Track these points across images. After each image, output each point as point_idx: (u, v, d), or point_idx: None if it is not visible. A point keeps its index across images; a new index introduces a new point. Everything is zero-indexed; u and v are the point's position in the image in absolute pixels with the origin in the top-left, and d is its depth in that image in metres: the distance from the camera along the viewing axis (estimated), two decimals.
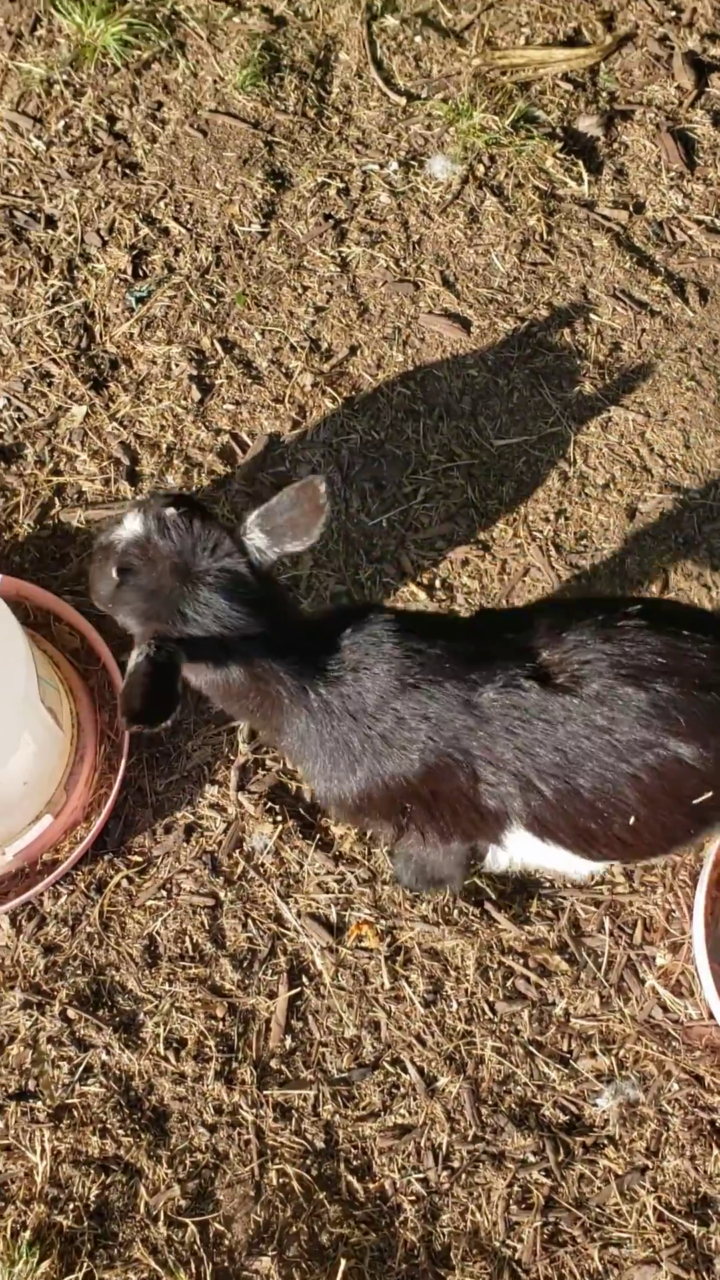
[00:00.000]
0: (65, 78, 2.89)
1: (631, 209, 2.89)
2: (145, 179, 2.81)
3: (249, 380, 2.63)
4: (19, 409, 2.56)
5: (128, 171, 2.81)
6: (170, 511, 1.72)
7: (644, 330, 2.75)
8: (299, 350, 2.67)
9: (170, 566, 1.71)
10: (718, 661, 1.75)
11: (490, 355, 2.69)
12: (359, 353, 2.68)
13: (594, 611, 1.81)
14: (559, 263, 2.80)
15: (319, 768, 1.85)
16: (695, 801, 1.77)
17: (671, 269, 2.83)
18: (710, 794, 1.77)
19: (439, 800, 1.84)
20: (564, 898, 2.25)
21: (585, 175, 2.90)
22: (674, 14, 3.18)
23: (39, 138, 2.82)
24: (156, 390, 2.61)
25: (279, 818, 2.26)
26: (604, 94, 3.04)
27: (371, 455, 2.58)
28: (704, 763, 1.74)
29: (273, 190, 2.82)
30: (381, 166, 2.85)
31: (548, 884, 2.26)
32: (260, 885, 2.23)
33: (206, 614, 1.70)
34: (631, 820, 1.78)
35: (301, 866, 2.24)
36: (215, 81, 2.93)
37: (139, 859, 2.24)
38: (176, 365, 2.63)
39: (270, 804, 2.27)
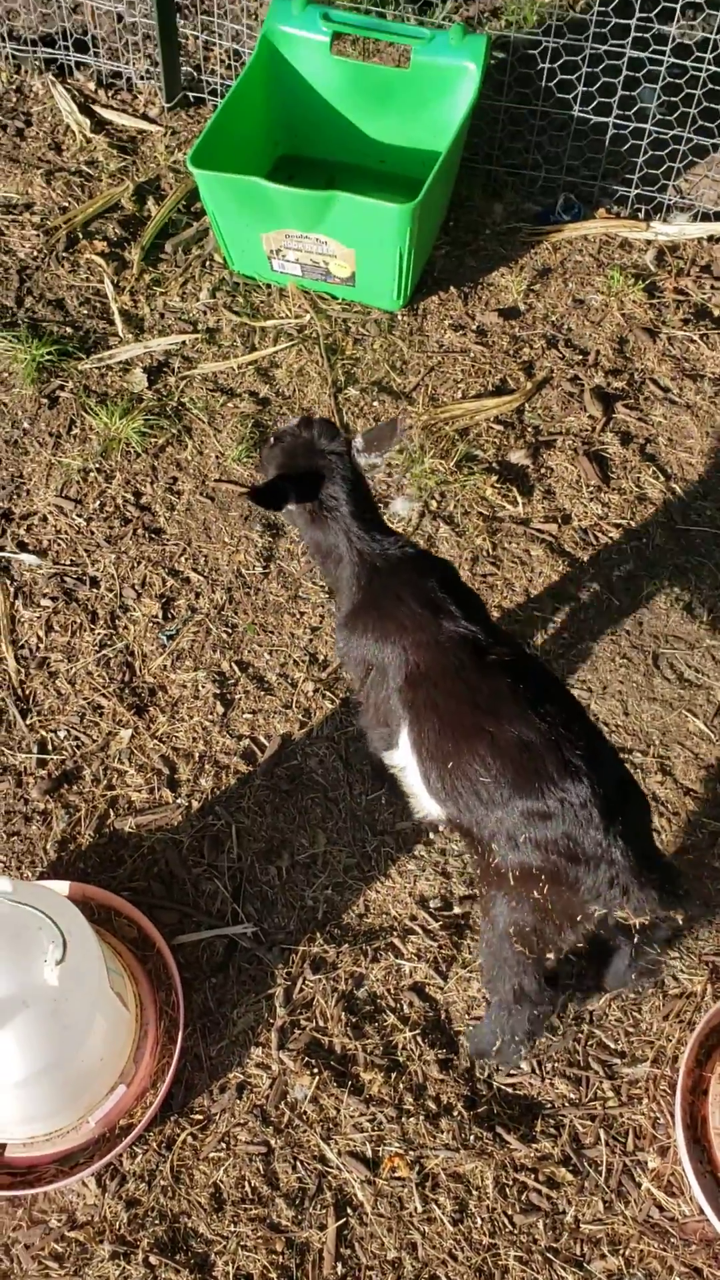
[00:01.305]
0: (97, 466, 3.62)
1: (560, 521, 3.54)
2: (168, 540, 3.48)
3: (262, 692, 3.21)
4: (77, 737, 3.13)
5: (153, 535, 3.49)
6: (314, 419, 2.65)
7: (581, 620, 3.34)
8: (301, 664, 3.26)
9: (304, 443, 2.59)
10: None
11: None
12: None
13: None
14: (504, 571, 3.43)
15: (342, 606, 2.64)
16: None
17: (598, 566, 3.45)
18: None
19: (374, 681, 2.55)
20: (564, 1115, 2.62)
21: (519, 498, 3.57)
22: (580, 358, 3.94)
23: (80, 515, 3.52)
24: (188, 709, 3.18)
25: (315, 1070, 2.67)
26: (530, 429, 3.75)
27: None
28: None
29: (270, 538, 3.48)
30: None
31: (549, 1104, 2.64)
32: (305, 1131, 2.62)
33: (316, 475, 2.58)
34: (484, 779, 2.29)
35: (338, 1111, 2.64)
36: (217, 456, 3.66)
37: (200, 1117, 2.64)
38: (203, 687, 3.21)
39: (308, 1058, 2.69)
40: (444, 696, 2.38)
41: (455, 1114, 2.62)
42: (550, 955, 2.40)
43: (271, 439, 2.70)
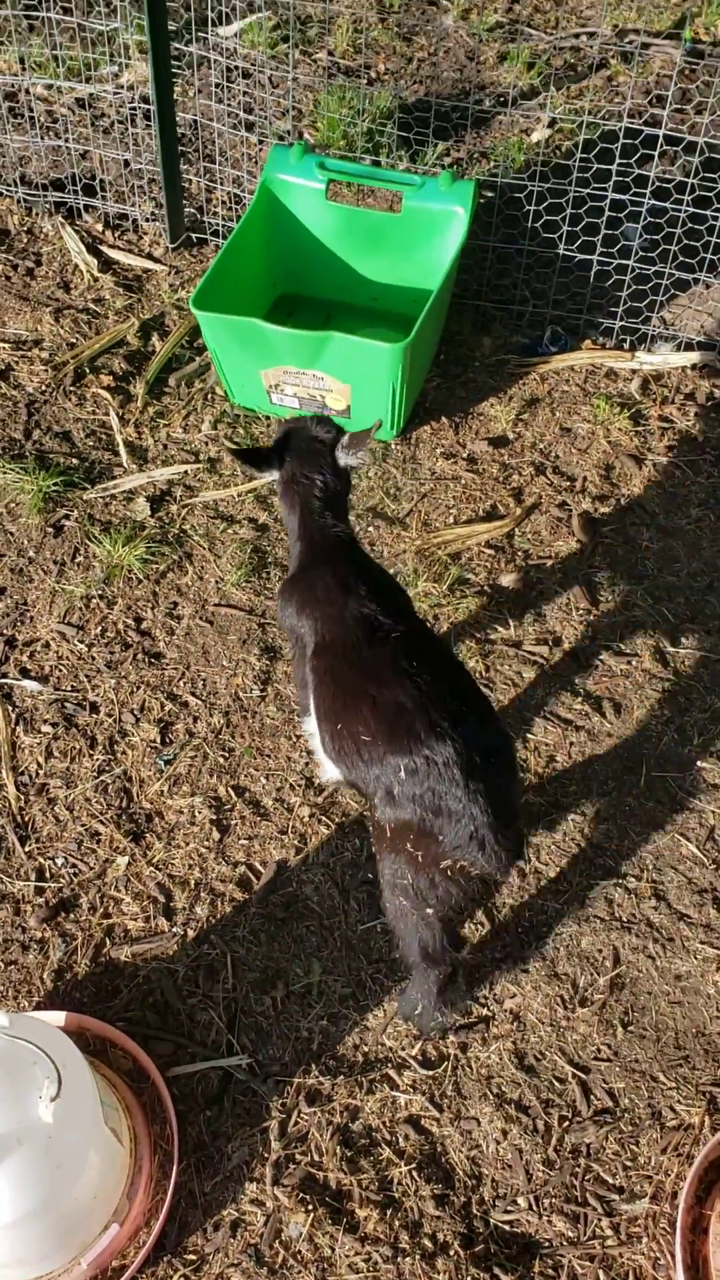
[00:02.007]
0: (100, 592, 3.72)
1: (551, 644, 3.61)
2: (167, 665, 3.55)
3: (258, 817, 3.25)
4: (74, 865, 3.16)
5: (153, 660, 3.56)
6: (324, 417, 3.13)
7: (572, 743, 3.39)
8: (297, 788, 3.30)
9: (301, 429, 3.06)
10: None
11: None
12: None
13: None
14: (497, 693, 3.49)
15: (290, 566, 3.01)
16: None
17: (589, 689, 3.51)
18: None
19: (297, 651, 2.87)
20: (562, 1255, 2.58)
21: (511, 621, 3.65)
22: (569, 484, 4.06)
23: (82, 641, 3.60)
24: (184, 835, 3.22)
25: (310, 1206, 2.64)
26: (520, 553, 3.85)
27: (362, 869, 3.15)
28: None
29: (267, 661, 3.56)
30: None
31: (547, 1243, 2.60)
32: (299, 1271, 2.58)
33: (299, 454, 3.02)
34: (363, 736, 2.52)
35: (333, 1250, 2.60)
36: (217, 581, 3.75)
37: (194, 1257, 2.61)
38: (199, 812, 3.25)
39: (302, 1194, 2.66)
40: (340, 665, 2.67)
41: (451, 1253, 2.58)
42: (433, 910, 2.58)
43: (283, 423, 3.17)
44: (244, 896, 3.11)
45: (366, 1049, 2.88)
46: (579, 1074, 2.85)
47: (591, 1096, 2.82)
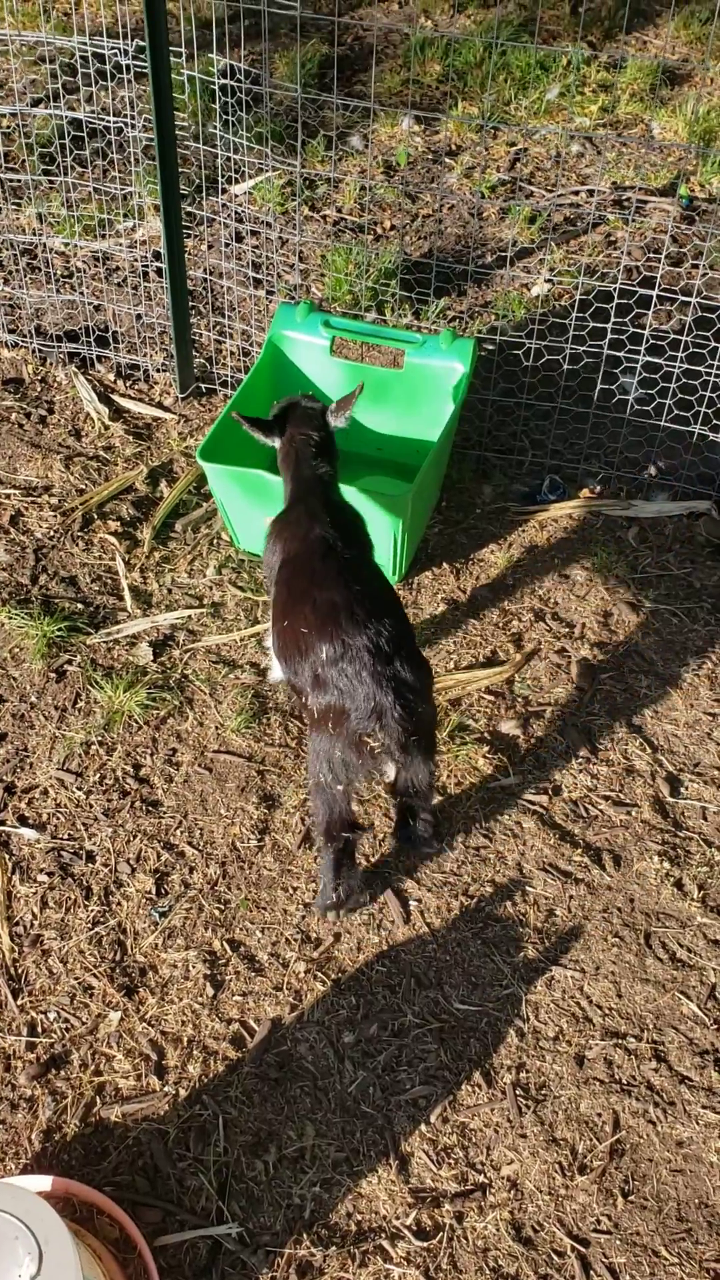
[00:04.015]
0: (99, 738, 3.75)
1: (551, 793, 3.62)
2: (165, 813, 3.56)
3: (253, 973, 3.21)
4: (66, 1020, 3.12)
5: (150, 808, 3.57)
6: (311, 396, 3.86)
7: (571, 896, 3.37)
8: (293, 942, 3.28)
9: (296, 403, 3.76)
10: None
11: (446, 930, 3.29)
12: (341, 939, 3.28)
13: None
14: (496, 844, 3.48)
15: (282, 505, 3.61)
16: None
17: (589, 840, 3.50)
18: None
19: (269, 573, 3.50)
20: None
21: (511, 769, 3.66)
22: (568, 630, 4.11)
23: (80, 789, 3.62)
24: (177, 990, 3.18)
25: None
26: (520, 699, 3.88)
27: (357, 1027, 3.10)
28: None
29: (265, 810, 3.56)
30: None
31: None
32: None
33: (296, 420, 3.70)
34: (302, 629, 3.05)
35: None
36: (217, 727, 3.78)
37: None
38: (193, 967, 3.22)
39: None
40: (295, 575, 3.21)
41: None
42: (341, 786, 3.07)
43: (280, 399, 3.84)
44: (237, 1055, 3.06)
45: (360, 1217, 2.80)
46: (578, 1247, 2.76)
47: (592, 1272, 2.72)
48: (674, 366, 4.39)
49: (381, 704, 2.91)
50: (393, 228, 5.90)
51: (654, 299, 4.29)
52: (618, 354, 4.44)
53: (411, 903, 3.36)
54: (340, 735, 2.98)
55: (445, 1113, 2.96)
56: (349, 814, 3.17)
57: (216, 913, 3.34)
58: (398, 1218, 2.80)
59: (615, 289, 4.63)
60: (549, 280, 5.44)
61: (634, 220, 5.76)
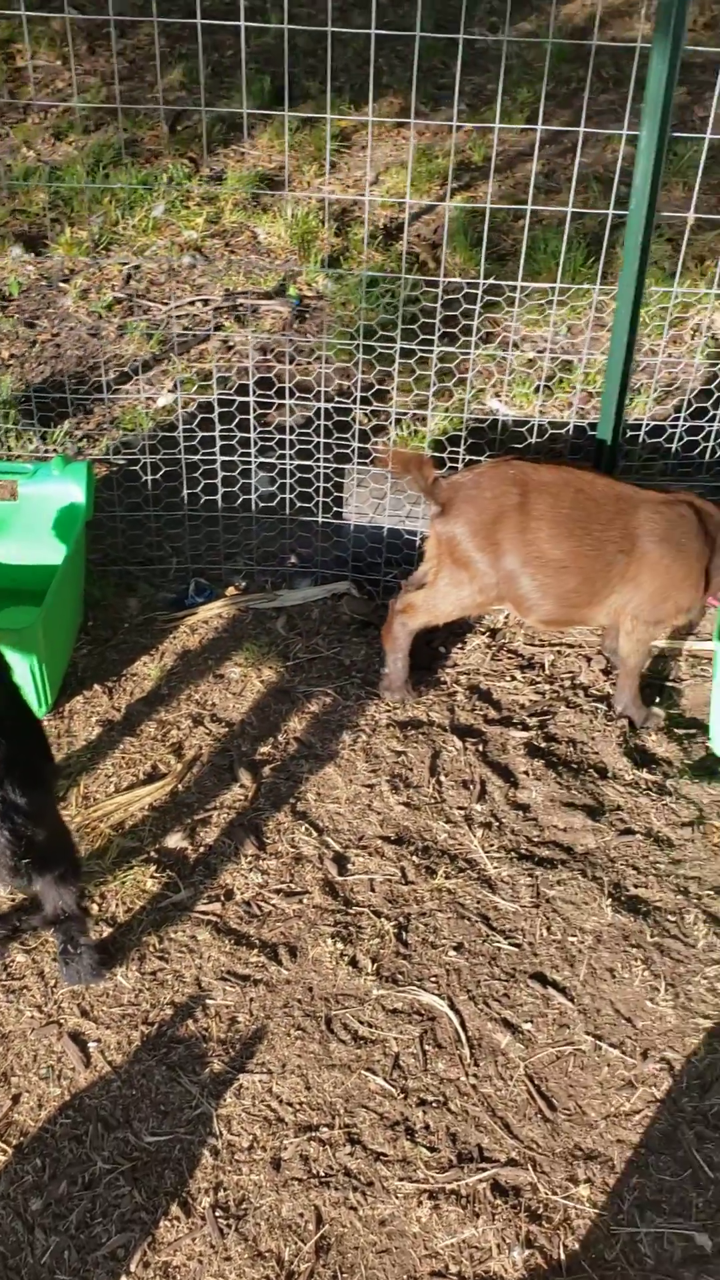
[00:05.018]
0: None
1: (223, 898, 3.63)
2: None
3: None
4: None
5: None
6: None
7: (252, 999, 3.37)
8: None
9: None
10: None
11: (129, 1064, 3.21)
12: (20, 1099, 3.15)
13: None
14: (173, 963, 3.45)
15: None
16: None
17: (264, 938, 3.53)
18: None
19: None
20: None
21: (181, 883, 3.65)
22: (227, 730, 4.16)
23: None
24: None
25: None
26: (184, 809, 3.89)
27: (45, 1189, 2.97)
28: None
29: None
30: None
31: None
32: None
33: None
34: None
35: None
36: None
37: None
38: None
39: None
40: None
41: None
42: None
43: None
44: None
45: None
46: None
47: None
48: (287, 463, 4.58)
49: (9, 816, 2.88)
50: (12, 357, 5.90)
51: (275, 397, 4.47)
52: (231, 458, 4.60)
53: (90, 1044, 3.27)
54: None
55: (145, 1256, 2.87)
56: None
57: None
58: None
59: (234, 385, 4.79)
60: (171, 391, 5.58)
61: (249, 322, 6.01)
